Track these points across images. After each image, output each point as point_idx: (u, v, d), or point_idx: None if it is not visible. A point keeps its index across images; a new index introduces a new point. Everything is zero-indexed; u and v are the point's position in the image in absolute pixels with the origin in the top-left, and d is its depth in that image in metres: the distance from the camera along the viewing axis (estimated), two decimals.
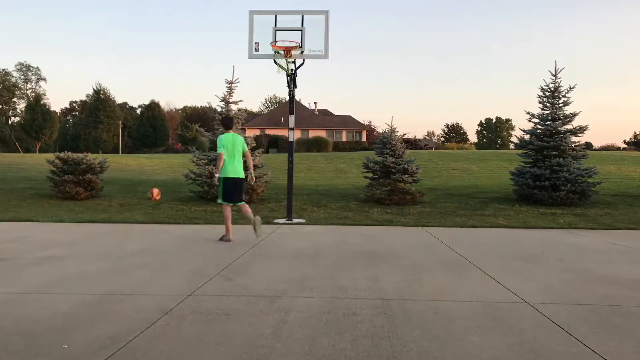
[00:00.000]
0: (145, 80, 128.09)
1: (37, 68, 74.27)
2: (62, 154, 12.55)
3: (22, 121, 63.92)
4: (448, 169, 21.46)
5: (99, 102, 67.91)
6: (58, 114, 75.39)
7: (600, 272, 5.09)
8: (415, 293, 4.15)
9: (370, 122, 78.23)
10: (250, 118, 56.54)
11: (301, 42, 9.43)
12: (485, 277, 4.81)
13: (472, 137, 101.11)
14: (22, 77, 71.79)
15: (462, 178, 18.21)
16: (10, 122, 69.54)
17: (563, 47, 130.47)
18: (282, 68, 9.56)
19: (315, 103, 62.52)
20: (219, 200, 7.08)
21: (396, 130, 13.11)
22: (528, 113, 12.77)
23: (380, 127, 67.61)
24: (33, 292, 4.04)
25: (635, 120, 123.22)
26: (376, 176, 12.71)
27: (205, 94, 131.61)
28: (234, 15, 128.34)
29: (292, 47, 9.40)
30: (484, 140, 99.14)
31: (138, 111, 75.88)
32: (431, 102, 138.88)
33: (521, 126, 15.84)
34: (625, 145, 59.61)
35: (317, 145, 42.65)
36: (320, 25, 9.54)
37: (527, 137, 12.80)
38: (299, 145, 40.73)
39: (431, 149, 54.60)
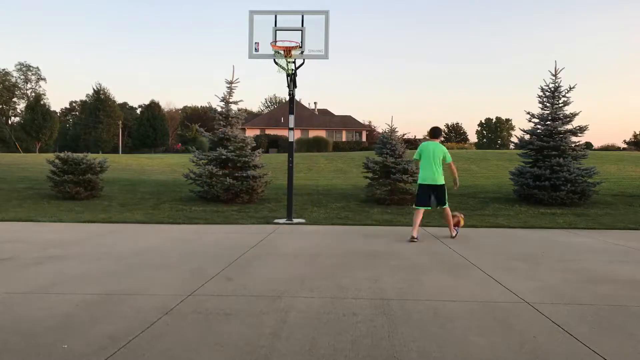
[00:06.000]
0: (145, 80, 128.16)
1: (37, 68, 74.23)
2: (62, 154, 12.55)
3: (22, 121, 63.90)
4: (448, 169, 21.44)
5: (99, 102, 67.87)
6: (58, 114, 75.43)
7: (600, 272, 5.09)
8: (415, 293, 4.15)
9: (370, 122, 78.15)
10: (250, 118, 56.56)
11: (301, 42, 9.43)
12: (485, 277, 4.80)
13: (472, 137, 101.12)
14: (22, 77, 71.79)
15: (462, 178, 18.14)
16: (10, 122, 69.54)
17: (563, 47, 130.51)
18: (282, 68, 9.56)
19: (315, 103, 62.57)
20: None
21: (396, 130, 13.11)
22: (528, 113, 12.78)
23: (380, 127, 67.61)
24: (33, 292, 4.04)
25: (635, 120, 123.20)
26: (376, 176, 12.71)
27: (205, 94, 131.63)
28: (234, 15, 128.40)
29: (292, 47, 9.40)
30: (484, 140, 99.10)
31: (138, 111, 75.87)
32: (431, 102, 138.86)
33: (521, 126, 15.86)
34: (625, 145, 59.61)
35: (317, 145, 42.65)
36: (320, 25, 9.53)
37: (527, 137, 12.80)
38: (299, 145, 40.74)
39: None
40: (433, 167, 7.37)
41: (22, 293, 4.02)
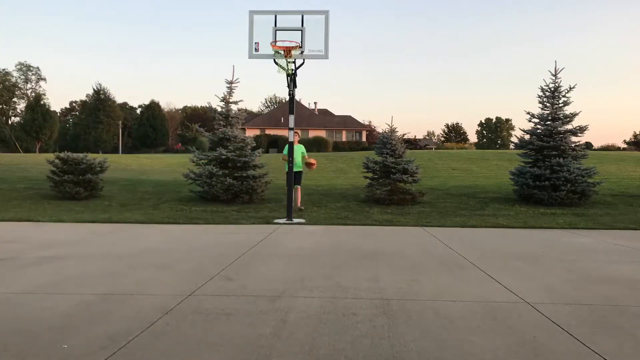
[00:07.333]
0: (145, 80, 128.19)
1: (37, 68, 74.28)
2: (62, 154, 12.54)
3: (22, 121, 63.92)
4: (448, 168, 21.45)
5: (99, 102, 67.89)
6: (58, 114, 75.41)
7: (600, 272, 5.09)
8: (415, 293, 4.15)
9: (370, 122, 78.29)
10: (250, 118, 56.53)
11: (301, 42, 9.42)
12: (485, 277, 4.80)
13: (472, 137, 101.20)
14: (22, 77, 71.81)
15: (462, 178, 18.21)
16: (10, 122, 69.52)
17: (563, 46, 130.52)
18: (282, 68, 9.55)
19: (315, 103, 62.57)
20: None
21: (396, 130, 13.11)
22: (528, 113, 12.78)
23: (380, 127, 67.59)
24: (33, 292, 4.04)
25: (635, 120, 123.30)
26: (376, 176, 12.70)
27: (205, 94, 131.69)
28: (234, 15, 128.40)
29: (292, 47, 9.39)
30: (484, 140, 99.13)
31: (138, 111, 75.86)
32: (431, 102, 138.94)
33: (521, 126, 15.94)
34: (625, 145, 59.63)
35: (317, 145, 42.63)
36: (320, 25, 9.53)
37: (527, 137, 12.80)
38: None
39: (431, 148, 54.60)
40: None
41: (22, 293, 4.01)
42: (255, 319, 3.39)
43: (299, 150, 11.10)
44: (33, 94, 68.49)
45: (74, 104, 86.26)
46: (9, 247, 6.20)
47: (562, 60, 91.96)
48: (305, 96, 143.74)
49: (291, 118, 9.82)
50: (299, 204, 10.88)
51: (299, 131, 12.45)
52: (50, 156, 12.93)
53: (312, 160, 11.47)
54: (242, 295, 4.00)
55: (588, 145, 39.75)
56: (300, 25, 9.48)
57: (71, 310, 3.54)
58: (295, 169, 10.24)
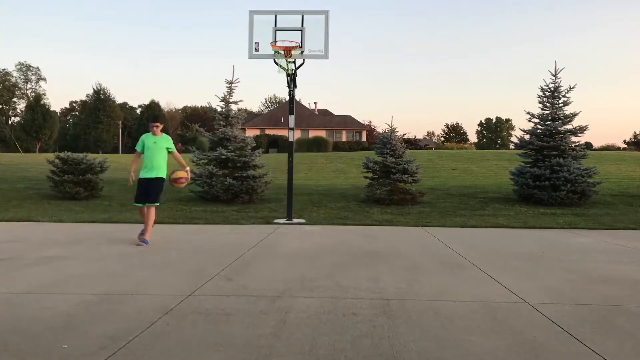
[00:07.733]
0: (145, 80, 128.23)
1: (37, 68, 74.28)
2: (62, 154, 12.54)
3: (22, 121, 63.93)
4: (448, 168, 21.45)
5: (99, 102, 67.89)
6: (58, 114, 75.41)
7: (600, 272, 5.09)
8: (415, 293, 4.15)
9: (370, 122, 78.28)
10: (250, 118, 56.53)
11: (301, 42, 9.43)
12: (485, 277, 4.80)
13: (472, 137, 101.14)
14: (22, 77, 71.78)
15: (462, 178, 18.20)
16: (10, 122, 69.52)
17: (563, 46, 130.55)
18: (282, 68, 9.56)
19: (315, 103, 62.54)
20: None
21: (396, 130, 13.11)
22: (528, 113, 12.78)
23: (380, 127, 67.55)
24: (33, 292, 4.04)
25: (635, 120, 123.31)
26: (376, 176, 12.71)
27: (205, 94, 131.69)
28: (234, 15, 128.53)
29: (292, 47, 9.40)
30: (484, 140, 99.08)
31: (138, 111, 75.85)
32: (431, 102, 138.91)
33: (521, 126, 15.99)
34: (625, 145, 59.64)
35: (317, 145, 42.65)
36: (320, 25, 9.54)
37: (527, 137, 12.80)
38: (299, 145, 40.71)
39: (431, 148, 54.61)
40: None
41: (22, 293, 4.01)
42: (255, 319, 3.39)
43: (161, 144, 6.91)
44: (33, 94, 68.48)
45: (74, 104, 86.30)
46: (9, 247, 6.20)
47: (562, 60, 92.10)
48: (305, 96, 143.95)
49: (291, 118, 9.82)
50: (146, 234, 6.63)
51: (159, 123, 7.20)
52: (50, 156, 12.93)
53: (181, 174, 7.16)
54: (242, 295, 4.00)
55: (588, 145, 39.74)
56: (300, 25, 9.49)
57: (71, 310, 3.54)
58: (148, 175, 6.70)
